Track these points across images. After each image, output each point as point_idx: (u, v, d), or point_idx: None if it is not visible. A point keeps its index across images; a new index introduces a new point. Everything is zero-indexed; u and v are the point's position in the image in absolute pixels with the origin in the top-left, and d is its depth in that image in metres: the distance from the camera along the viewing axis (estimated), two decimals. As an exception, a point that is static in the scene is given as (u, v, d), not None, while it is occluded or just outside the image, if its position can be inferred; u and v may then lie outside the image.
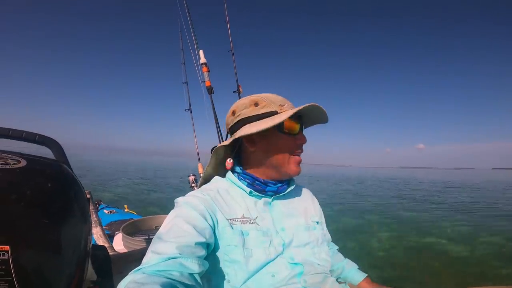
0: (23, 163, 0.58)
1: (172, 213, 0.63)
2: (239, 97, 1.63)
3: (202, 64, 1.58)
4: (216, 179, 0.79)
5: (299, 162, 0.74)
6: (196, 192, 0.71)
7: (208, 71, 1.58)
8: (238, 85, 1.62)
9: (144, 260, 0.52)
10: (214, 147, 1.13)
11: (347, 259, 0.91)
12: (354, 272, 0.86)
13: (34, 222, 0.53)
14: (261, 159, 0.73)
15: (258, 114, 0.71)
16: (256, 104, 0.72)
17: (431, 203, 9.85)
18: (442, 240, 4.85)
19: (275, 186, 0.74)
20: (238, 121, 0.74)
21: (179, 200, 0.66)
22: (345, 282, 0.80)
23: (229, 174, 0.78)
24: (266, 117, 0.70)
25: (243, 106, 0.74)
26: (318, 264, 0.70)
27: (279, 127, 0.70)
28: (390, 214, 7.40)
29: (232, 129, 0.76)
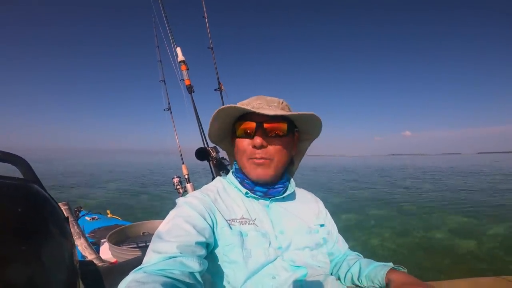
0: (-13, 186, 0.52)
1: (172, 212, 0.64)
2: (221, 95, 1.59)
3: (180, 62, 1.52)
4: (217, 179, 0.81)
5: (257, 165, 0.70)
6: (196, 192, 0.72)
7: (187, 69, 1.52)
8: (219, 83, 1.58)
9: (145, 259, 0.53)
10: (199, 148, 1.09)
11: (360, 260, 0.78)
12: (373, 269, 0.72)
13: (10, 250, 0.49)
14: (238, 162, 0.77)
15: None
16: None
17: (429, 192, 9.49)
18: (448, 234, 4.55)
19: (265, 188, 0.73)
20: None
21: (180, 200, 0.68)
22: (339, 279, 0.79)
23: (230, 174, 0.80)
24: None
25: None
26: (319, 266, 0.70)
27: (235, 131, 0.73)
28: (388, 206, 6.97)
29: None
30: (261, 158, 0.69)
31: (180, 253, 0.52)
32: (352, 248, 0.85)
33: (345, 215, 5.98)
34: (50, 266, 0.55)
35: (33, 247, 0.52)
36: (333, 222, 0.86)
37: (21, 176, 0.67)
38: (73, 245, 0.68)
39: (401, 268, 0.71)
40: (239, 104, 0.68)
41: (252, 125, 0.68)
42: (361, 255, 0.84)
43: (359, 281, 0.74)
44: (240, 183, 0.74)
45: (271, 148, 0.69)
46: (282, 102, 0.75)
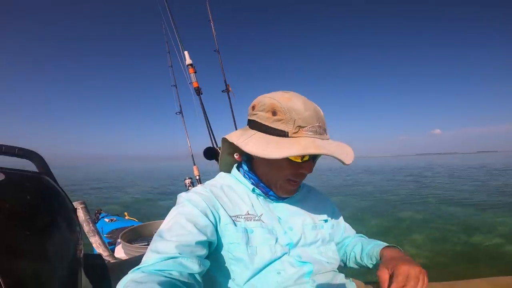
0: (1, 176, 0.57)
1: (173, 210, 0.63)
2: (228, 97, 1.62)
3: (188, 65, 1.57)
4: (221, 175, 0.78)
5: (292, 189, 0.69)
6: (199, 188, 0.69)
7: (195, 72, 1.57)
8: (226, 84, 1.61)
9: (144, 259, 0.52)
10: (207, 148, 1.08)
11: (362, 241, 0.80)
12: (372, 248, 0.74)
13: (17, 235, 0.53)
14: (260, 168, 0.70)
15: (269, 127, 0.63)
16: (274, 113, 0.63)
17: (466, 192, 8.54)
18: (495, 238, 3.94)
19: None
20: (253, 120, 0.68)
21: (182, 196, 0.66)
22: (350, 279, 0.76)
23: (234, 170, 0.76)
24: (275, 134, 0.62)
25: (262, 106, 0.66)
26: (327, 262, 0.69)
27: None
28: (421, 209, 6.28)
29: (249, 123, 0.71)
30: (301, 181, 0.69)
31: (179, 253, 0.51)
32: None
33: (373, 220, 5.48)
34: (52, 253, 0.58)
35: (37, 233, 0.55)
36: (338, 212, 0.85)
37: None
38: (79, 237, 0.71)
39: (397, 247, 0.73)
40: (297, 121, 0.61)
41: (307, 156, 0.64)
42: (365, 236, 0.86)
43: (361, 260, 0.77)
44: (255, 184, 0.72)
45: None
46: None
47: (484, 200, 7.25)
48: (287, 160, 0.63)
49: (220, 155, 0.78)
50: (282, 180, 0.66)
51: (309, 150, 0.57)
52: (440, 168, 22.81)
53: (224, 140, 0.72)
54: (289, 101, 0.62)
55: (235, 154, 0.73)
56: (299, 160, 0.63)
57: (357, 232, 0.89)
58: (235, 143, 0.65)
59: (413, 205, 6.88)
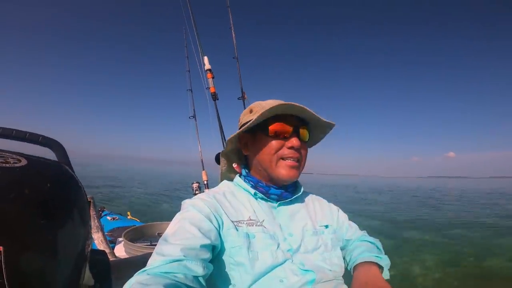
0: (24, 162, 0.57)
1: (178, 215, 0.64)
2: (244, 104, 1.64)
3: (206, 70, 1.60)
4: (224, 183, 0.81)
5: (290, 166, 0.71)
6: (202, 195, 0.72)
7: (213, 78, 1.60)
8: (242, 92, 1.63)
9: (149, 262, 0.53)
10: (218, 154, 1.12)
11: (355, 247, 0.76)
12: (353, 262, 0.72)
13: (31, 222, 0.52)
14: (254, 162, 0.76)
15: (248, 121, 0.73)
16: (251, 111, 0.77)
17: (479, 217, 8.48)
18: (509, 262, 3.92)
19: (279, 191, 0.74)
20: (240, 127, 0.79)
21: (186, 202, 0.68)
22: None
23: (237, 177, 0.80)
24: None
25: (243, 113, 0.81)
26: (330, 270, 0.68)
27: (264, 130, 0.71)
28: (431, 230, 6.26)
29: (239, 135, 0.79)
30: (295, 159, 0.71)
31: (184, 256, 0.52)
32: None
33: (380, 239, 5.54)
34: (62, 244, 0.57)
35: (52, 222, 0.54)
36: (343, 214, 0.85)
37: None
38: (89, 231, 0.70)
39: (380, 258, 0.68)
40: (267, 107, 0.68)
41: (289, 128, 0.71)
42: (366, 236, 0.82)
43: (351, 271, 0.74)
44: (254, 186, 0.74)
45: (302, 152, 0.73)
46: None
47: (495, 224, 7.17)
48: (271, 138, 0.71)
49: (220, 169, 0.85)
50: (276, 160, 0.71)
51: (275, 103, 0.66)
52: (453, 191, 22.40)
53: (223, 155, 0.82)
54: (265, 101, 0.77)
55: (233, 164, 0.81)
56: (286, 135, 0.71)
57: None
58: (227, 139, 0.77)
59: (422, 226, 6.79)
